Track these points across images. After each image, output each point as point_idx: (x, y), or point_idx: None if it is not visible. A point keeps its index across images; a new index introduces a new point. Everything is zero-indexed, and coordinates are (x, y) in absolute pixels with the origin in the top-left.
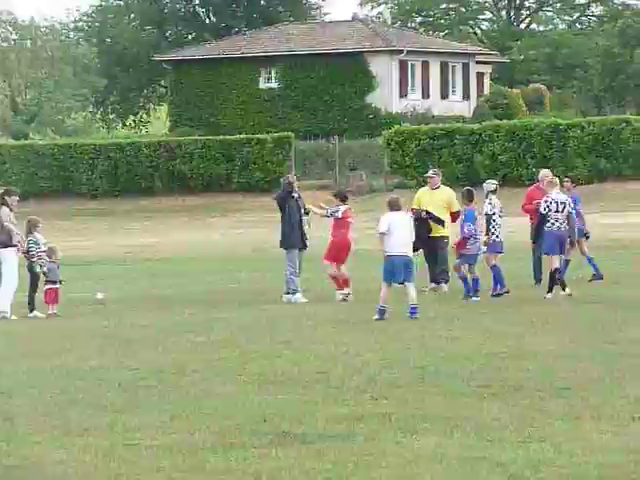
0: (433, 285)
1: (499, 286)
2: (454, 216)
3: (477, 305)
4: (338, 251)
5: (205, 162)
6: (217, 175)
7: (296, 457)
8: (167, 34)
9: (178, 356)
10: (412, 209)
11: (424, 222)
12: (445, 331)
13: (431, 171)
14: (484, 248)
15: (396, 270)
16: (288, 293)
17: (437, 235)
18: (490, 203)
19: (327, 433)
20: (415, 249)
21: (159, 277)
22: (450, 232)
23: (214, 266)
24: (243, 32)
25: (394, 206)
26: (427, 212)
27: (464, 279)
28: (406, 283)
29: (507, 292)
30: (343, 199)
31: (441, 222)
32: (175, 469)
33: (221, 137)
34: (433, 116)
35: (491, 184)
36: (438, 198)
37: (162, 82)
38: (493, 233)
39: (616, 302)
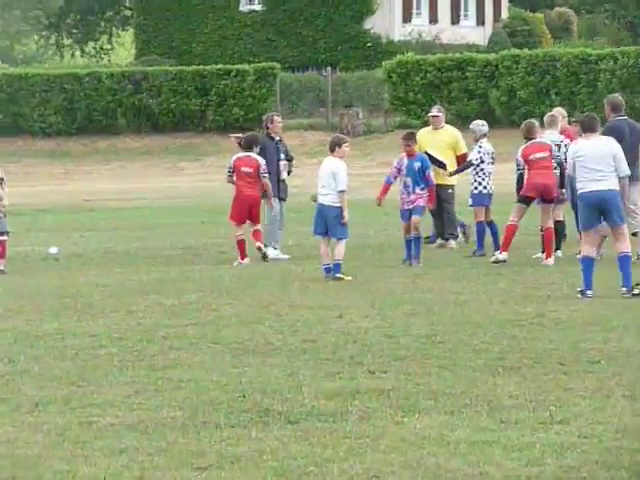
0: (440, 241)
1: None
2: (461, 159)
3: (491, 265)
4: None
5: (176, 96)
6: (190, 112)
7: (279, 438)
8: None
9: (144, 321)
10: None
11: None
12: (453, 294)
13: (435, 108)
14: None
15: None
16: (274, 248)
17: (441, 183)
18: (480, 149)
19: (315, 411)
20: None
21: (122, 230)
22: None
23: (186, 218)
24: None
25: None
26: (428, 154)
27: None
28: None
29: (482, 255)
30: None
31: (443, 165)
32: (139, 451)
33: (194, 67)
34: (442, 44)
35: (483, 126)
36: (441, 139)
37: (127, 3)
38: (480, 183)
39: None
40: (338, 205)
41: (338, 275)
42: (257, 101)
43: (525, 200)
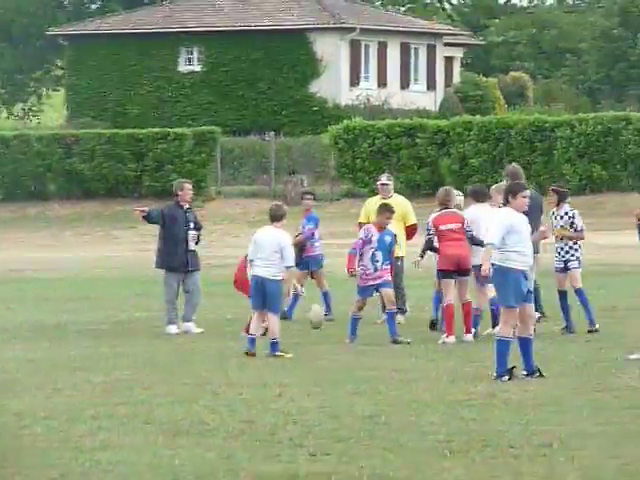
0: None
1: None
2: (410, 231)
3: (438, 340)
4: None
5: (110, 161)
6: (124, 177)
7: None
8: (65, 2)
9: (72, 399)
10: (359, 223)
11: None
12: (400, 372)
13: (384, 176)
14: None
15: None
16: (171, 323)
17: None
18: None
19: None
20: None
21: (51, 301)
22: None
23: (118, 289)
24: (160, 2)
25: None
26: None
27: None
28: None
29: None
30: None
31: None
32: None
33: (129, 130)
34: (391, 109)
35: (458, 196)
36: None
37: (58, 62)
38: None
39: (611, 340)
40: (280, 279)
41: (277, 353)
42: (196, 167)
43: (447, 274)
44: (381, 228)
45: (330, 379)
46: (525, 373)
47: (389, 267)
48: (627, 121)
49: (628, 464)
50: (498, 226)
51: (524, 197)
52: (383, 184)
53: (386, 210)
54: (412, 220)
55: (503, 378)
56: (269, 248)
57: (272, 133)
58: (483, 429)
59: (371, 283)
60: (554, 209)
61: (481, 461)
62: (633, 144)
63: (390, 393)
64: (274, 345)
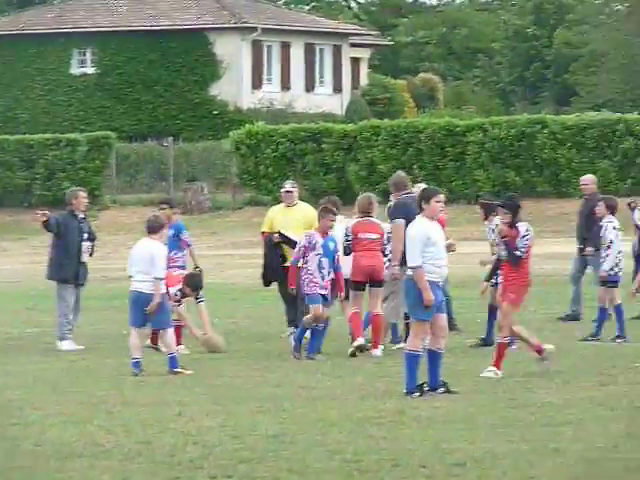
0: (292, 329)
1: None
2: None
3: (348, 357)
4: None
5: None
6: (14, 186)
7: None
8: None
9: None
10: (262, 233)
11: (276, 247)
12: (305, 389)
13: (288, 183)
14: None
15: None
16: (63, 339)
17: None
18: None
19: None
20: (267, 282)
21: None
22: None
23: (8, 304)
24: (51, 1)
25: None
26: (280, 234)
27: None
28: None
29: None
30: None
31: None
32: None
33: (19, 137)
34: (295, 113)
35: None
36: (294, 217)
37: None
38: None
39: (527, 354)
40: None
41: (176, 370)
42: (90, 174)
43: (358, 286)
44: (325, 233)
45: (232, 397)
46: (428, 388)
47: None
48: (542, 124)
49: None
50: (415, 244)
51: (437, 202)
52: (287, 191)
53: (328, 212)
54: None
55: (413, 394)
56: (143, 261)
57: (170, 138)
58: (393, 448)
59: (319, 292)
60: (486, 222)
61: None
62: (548, 148)
63: (295, 411)
64: (172, 360)
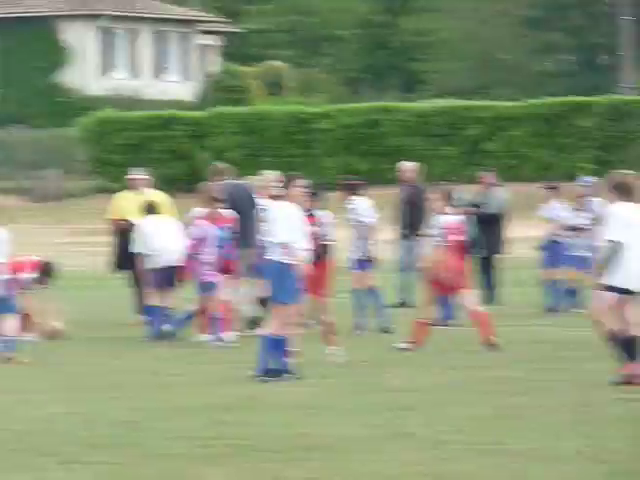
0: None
1: None
2: None
3: (198, 343)
4: None
5: None
6: None
7: None
8: None
9: None
10: (111, 220)
11: (126, 234)
12: (156, 375)
13: (136, 171)
14: None
15: None
16: None
17: None
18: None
19: None
20: (117, 268)
21: None
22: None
23: None
24: None
25: None
26: (127, 221)
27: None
28: None
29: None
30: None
31: None
32: None
33: None
34: (144, 100)
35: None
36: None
37: None
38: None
39: (382, 343)
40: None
41: (10, 355)
42: None
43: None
44: (214, 221)
45: (83, 384)
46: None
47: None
48: (387, 111)
49: (390, 467)
50: (282, 223)
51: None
52: (134, 179)
53: (215, 200)
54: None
55: (267, 378)
56: None
57: (18, 125)
58: (245, 433)
59: (210, 280)
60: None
61: (243, 466)
62: (393, 135)
63: (147, 397)
64: (11, 344)
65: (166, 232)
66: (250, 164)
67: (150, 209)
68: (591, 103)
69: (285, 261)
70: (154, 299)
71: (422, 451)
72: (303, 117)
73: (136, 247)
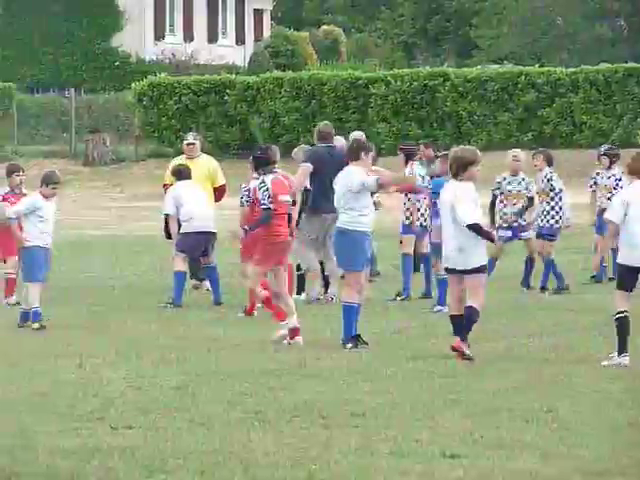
0: (194, 282)
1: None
2: (219, 192)
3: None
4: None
5: None
6: None
7: None
8: None
9: None
10: (164, 185)
11: None
12: (209, 341)
13: (191, 135)
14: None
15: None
16: None
17: None
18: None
19: (51, 471)
20: (169, 235)
21: None
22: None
23: None
24: None
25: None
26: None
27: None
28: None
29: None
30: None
31: None
32: None
33: None
34: (198, 65)
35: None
36: (197, 170)
37: None
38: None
39: (424, 308)
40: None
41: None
42: None
43: None
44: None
45: (134, 349)
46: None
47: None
48: (444, 77)
49: (441, 434)
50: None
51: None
52: (189, 144)
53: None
54: (221, 181)
55: (348, 345)
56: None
57: (72, 90)
58: (293, 399)
59: None
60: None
61: (291, 432)
62: (450, 101)
63: (197, 363)
64: (36, 314)
65: (197, 198)
66: (304, 129)
67: (180, 174)
68: None
69: (351, 228)
70: (180, 264)
71: (472, 417)
72: (358, 82)
73: (167, 209)
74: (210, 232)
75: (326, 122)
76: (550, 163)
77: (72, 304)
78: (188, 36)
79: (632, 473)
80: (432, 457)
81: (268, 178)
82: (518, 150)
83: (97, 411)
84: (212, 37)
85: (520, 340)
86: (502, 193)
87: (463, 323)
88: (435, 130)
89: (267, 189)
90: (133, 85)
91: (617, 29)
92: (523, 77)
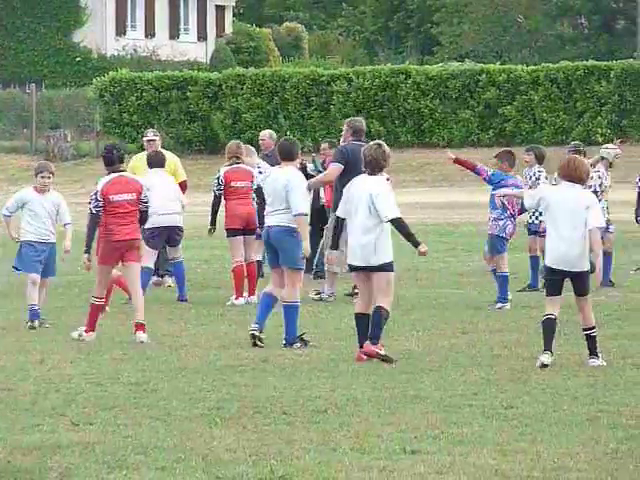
0: (155, 279)
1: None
2: (181, 187)
3: (212, 306)
4: None
5: None
6: None
7: None
8: None
9: None
10: None
11: None
12: (169, 337)
13: (151, 132)
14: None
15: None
16: None
17: None
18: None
19: (11, 468)
20: None
21: None
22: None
23: None
24: None
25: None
26: None
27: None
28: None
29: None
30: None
31: None
32: None
33: None
34: (160, 60)
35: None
36: None
37: None
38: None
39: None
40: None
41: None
42: None
43: (235, 233)
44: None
45: (94, 345)
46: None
47: None
48: (406, 74)
49: (402, 430)
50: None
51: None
52: (149, 140)
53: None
54: (182, 177)
55: (295, 345)
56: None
57: (33, 85)
58: (255, 395)
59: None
60: None
61: (253, 428)
62: (412, 99)
63: (158, 359)
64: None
65: (164, 192)
66: (267, 126)
67: (153, 161)
68: (608, 68)
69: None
70: (146, 259)
71: (432, 413)
72: (320, 79)
73: None
74: (175, 226)
75: (359, 118)
76: (541, 161)
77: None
78: (150, 32)
79: (589, 469)
80: (393, 453)
81: (103, 180)
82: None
83: (58, 407)
84: (174, 33)
85: (482, 336)
86: None
87: (367, 323)
88: (397, 127)
89: (96, 192)
90: (94, 81)
91: (578, 27)
92: (484, 75)
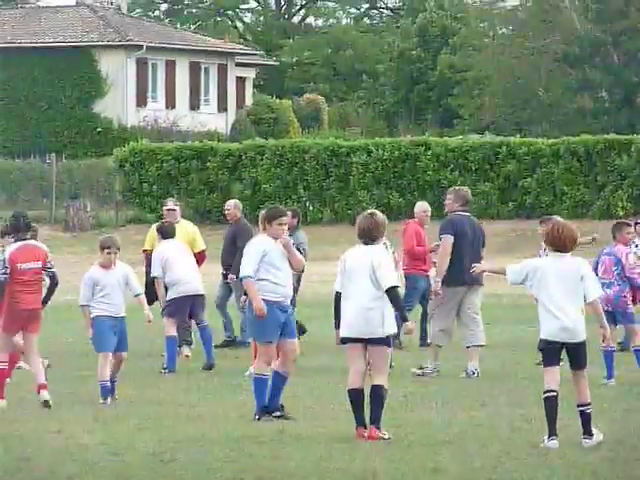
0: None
1: None
2: (200, 257)
3: (230, 375)
4: None
5: None
6: None
7: None
8: None
9: None
10: (144, 251)
11: None
12: (186, 407)
13: (171, 202)
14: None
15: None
16: None
17: None
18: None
19: None
20: (151, 300)
21: None
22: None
23: None
24: None
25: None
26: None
27: None
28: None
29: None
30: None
31: None
32: None
33: None
34: (180, 131)
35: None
36: (179, 235)
37: None
38: None
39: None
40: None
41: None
42: None
43: None
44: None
45: (112, 414)
46: (269, 411)
47: None
48: (425, 146)
49: None
50: (251, 256)
51: (280, 224)
52: (169, 209)
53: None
54: (201, 246)
55: (258, 417)
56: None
57: (53, 155)
58: (273, 466)
59: None
60: None
61: None
62: (431, 170)
63: (176, 429)
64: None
65: (182, 261)
66: (286, 196)
67: (164, 232)
68: (629, 142)
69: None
70: (171, 329)
71: None
72: (340, 150)
73: (154, 271)
74: (197, 295)
75: (464, 187)
76: None
77: (54, 370)
78: (170, 103)
79: None
80: None
81: (10, 247)
82: None
83: (75, 477)
84: (194, 104)
85: (501, 409)
86: None
87: (363, 399)
88: (417, 199)
89: (3, 259)
90: (115, 151)
91: (599, 101)
92: (504, 147)
